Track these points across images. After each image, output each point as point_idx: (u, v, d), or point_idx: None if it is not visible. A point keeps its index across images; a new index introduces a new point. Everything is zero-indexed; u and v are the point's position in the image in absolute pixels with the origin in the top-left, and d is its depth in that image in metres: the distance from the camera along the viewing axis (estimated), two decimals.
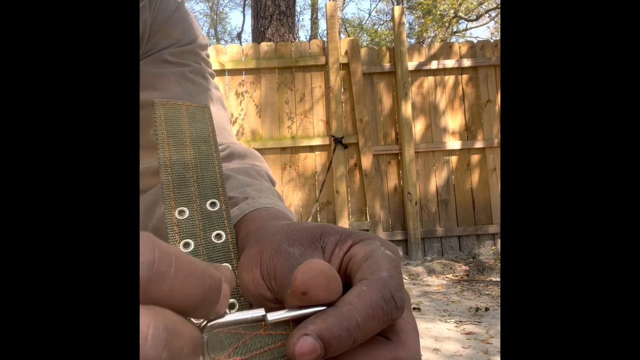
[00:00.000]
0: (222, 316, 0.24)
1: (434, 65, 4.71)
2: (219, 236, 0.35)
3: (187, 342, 0.21)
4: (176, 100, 0.43)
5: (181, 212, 0.36)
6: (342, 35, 14.11)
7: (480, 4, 12.69)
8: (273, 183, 0.57)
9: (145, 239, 0.21)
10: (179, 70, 0.58)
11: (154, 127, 0.39)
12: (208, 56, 0.65)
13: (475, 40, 6.25)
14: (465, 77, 4.77)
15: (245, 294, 0.31)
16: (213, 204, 0.37)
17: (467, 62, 4.74)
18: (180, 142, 0.39)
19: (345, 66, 4.67)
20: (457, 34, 14.01)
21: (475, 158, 4.68)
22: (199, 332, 0.22)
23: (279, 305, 0.29)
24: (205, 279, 0.22)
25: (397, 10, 4.86)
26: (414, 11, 13.19)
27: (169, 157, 0.38)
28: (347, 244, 0.29)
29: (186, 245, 0.34)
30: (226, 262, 0.35)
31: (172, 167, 0.37)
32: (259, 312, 0.24)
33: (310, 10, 14.46)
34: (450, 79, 4.76)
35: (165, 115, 0.40)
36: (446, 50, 4.78)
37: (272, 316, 0.25)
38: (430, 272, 4.04)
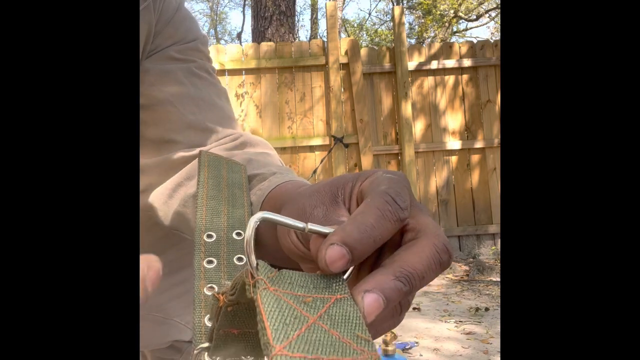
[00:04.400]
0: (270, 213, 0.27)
1: (434, 65, 4.71)
2: (240, 259, 0.38)
3: None
4: (219, 154, 0.48)
5: (209, 236, 0.39)
6: (342, 35, 14.09)
7: (480, 4, 12.68)
8: None
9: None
10: (186, 66, 0.61)
11: (198, 170, 0.45)
12: (209, 52, 0.67)
13: (475, 40, 6.25)
14: (465, 77, 4.77)
15: (291, 257, 0.33)
16: (239, 234, 0.41)
17: (467, 62, 4.73)
18: (217, 184, 0.44)
19: (345, 66, 4.67)
20: (457, 34, 13.99)
21: (475, 158, 4.68)
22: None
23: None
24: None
25: (397, 10, 4.85)
26: (414, 11, 13.18)
27: (206, 193, 0.42)
28: (358, 185, 0.32)
29: (209, 262, 0.37)
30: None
31: (208, 201, 0.42)
32: (301, 223, 0.28)
33: (310, 10, 14.45)
34: (450, 79, 4.76)
35: (209, 162, 0.46)
36: (446, 50, 4.78)
37: (312, 226, 0.28)
38: None
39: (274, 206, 0.42)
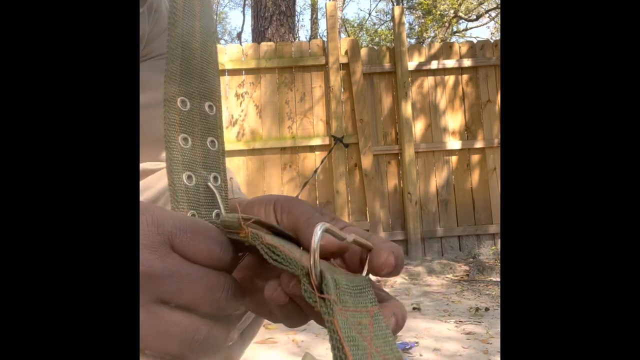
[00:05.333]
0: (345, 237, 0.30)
1: (434, 65, 4.71)
2: (213, 143, 0.37)
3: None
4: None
5: (184, 103, 0.36)
6: (342, 35, 14.08)
7: (480, 4, 12.67)
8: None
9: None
10: None
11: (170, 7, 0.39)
12: None
13: (475, 40, 6.25)
14: (465, 77, 4.77)
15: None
16: (211, 107, 0.38)
17: (467, 62, 4.73)
18: (191, 32, 0.39)
19: (345, 66, 4.67)
20: (457, 34, 13.98)
21: (475, 158, 4.68)
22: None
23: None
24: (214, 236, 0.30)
25: (397, 10, 4.85)
26: (414, 11, 13.17)
27: (180, 40, 0.37)
28: (340, 225, 0.36)
29: (185, 140, 0.35)
30: (215, 172, 0.37)
31: (183, 49, 0.37)
32: (348, 236, 0.30)
33: (310, 10, 14.44)
34: (450, 79, 4.76)
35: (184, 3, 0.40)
36: (446, 50, 4.78)
37: (356, 238, 0.31)
38: (430, 272, 4.04)
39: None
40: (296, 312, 0.33)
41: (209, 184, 0.35)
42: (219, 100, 0.39)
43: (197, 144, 0.36)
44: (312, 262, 0.26)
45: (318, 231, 0.27)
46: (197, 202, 0.34)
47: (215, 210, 0.35)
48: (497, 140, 4.63)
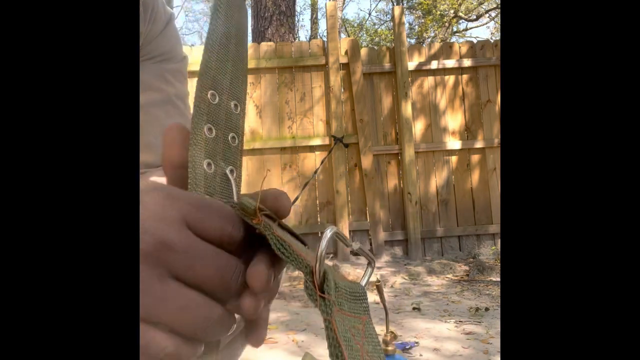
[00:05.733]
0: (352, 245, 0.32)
1: (434, 65, 4.71)
2: (233, 139, 0.38)
3: None
4: None
5: (213, 96, 0.37)
6: (342, 35, 14.06)
7: (480, 4, 12.67)
8: None
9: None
10: (167, 93, 0.67)
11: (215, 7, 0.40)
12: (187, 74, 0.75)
13: (475, 40, 6.25)
14: (465, 77, 4.77)
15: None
16: (236, 106, 0.39)
17: (467, 62, 4.73)
18: (228, 34, 0.39)
19: (345, 66, 4.67)
20: (457, 34, 13.98)
21: (475, 158, 4.68)
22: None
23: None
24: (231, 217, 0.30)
25: (397, 10, 4.86)
26: (414, 11, 13.17)
27: (218, 39, 0.38)
28: None
29: (209, 130, 0.36)
30: (232, 166, 0.38)
31: (220, 48, 0.38)
32: (354, 243, 0.32)
33: (310, 10, 14.43)
34: (450, 79, 4.76)
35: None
36: (446, 50, 4.78)
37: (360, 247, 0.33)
38: (430, 272, 4.04)
39: None
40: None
41: (227, 172, 0.36)
42: (244, 102, 0.40)
43: (220, 136, 0.37)
44: (317, 264, 0.27)
45: (327, 234, 0.28)
46: (213, 189, 0.35)
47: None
48: (497, 140, 4.64)
